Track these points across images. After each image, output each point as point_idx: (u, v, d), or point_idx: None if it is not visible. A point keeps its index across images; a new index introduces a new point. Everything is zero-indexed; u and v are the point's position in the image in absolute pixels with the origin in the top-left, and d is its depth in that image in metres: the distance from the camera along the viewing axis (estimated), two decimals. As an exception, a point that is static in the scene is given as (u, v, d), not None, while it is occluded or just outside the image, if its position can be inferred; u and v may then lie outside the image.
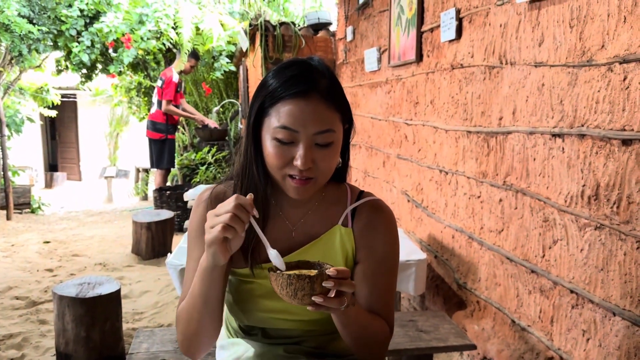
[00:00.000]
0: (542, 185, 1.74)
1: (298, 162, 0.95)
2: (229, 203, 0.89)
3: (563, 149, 1.63)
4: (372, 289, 1.09)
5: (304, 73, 0.98)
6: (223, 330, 1.24)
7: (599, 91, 1.46)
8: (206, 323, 1.02)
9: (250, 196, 0.91)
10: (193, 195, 3.96)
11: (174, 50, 6.35)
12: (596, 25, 1.47)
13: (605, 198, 1.44)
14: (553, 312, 1.70)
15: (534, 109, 1.77)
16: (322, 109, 0.96)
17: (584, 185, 1.53)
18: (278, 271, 0.89)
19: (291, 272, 0.88)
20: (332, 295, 0.87)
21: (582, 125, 1.53)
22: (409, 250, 2.21)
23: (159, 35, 6.55)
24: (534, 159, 1.78)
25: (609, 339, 1.45)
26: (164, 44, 6.56)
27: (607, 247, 1.44)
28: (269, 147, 0.98)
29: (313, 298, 0.85)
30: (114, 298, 2.43)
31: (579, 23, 1.55)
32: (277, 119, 0.96)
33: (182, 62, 6.00)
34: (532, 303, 1.81)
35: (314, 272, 0.90)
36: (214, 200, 1.10)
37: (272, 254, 0.92)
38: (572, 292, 1.60)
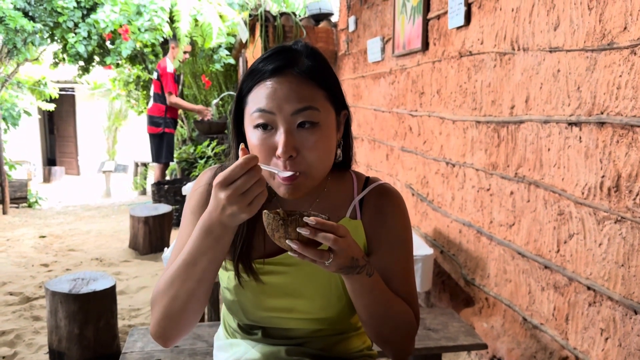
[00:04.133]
0: (557, 177, 1.66)
1: (279, 150, 0.85)
2: (237, 173, 0.77)
3: (580, 138, 1.54)
4: (391, 278, 0.98)
5: (280, 52, 0.91)
6: (221, 330, 1.16)
7: (620, 76, 1.38)
8: (195, 300, 0.89)
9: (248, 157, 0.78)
10: (191, 189, 3.88)
11: (169, 39, 6.22)
12: (618, 5, 1.38)
13: (627, 189, 1.36)
14: (568, 309, 1.61)
15: (549, 97, 1.68)
16: (298, 85, 0.87)
17: (603, 176, 1.45)
18: (270, 210, 0.82)
19: (278, 211, 0.84)
20: (312, 246, 0.79)
21: (602, 113, 1.44)
22: (415, 245, 2.11)
23: (154, 29, 6.43)
24: (549, 149, 1.69)
25: (630, 339, 1.37)
26: (156, 39, 6.43)
27: (629, 242, 1.36)
28: (251, 139, 0.90)
29: (287, 241, 0.79)
30: (109, 294, 2.34)
31: (598, 4, 1.46)
32: (253, 104, 0.89)
33: (179, 55, 5.87)
34: (545, 300, 1.73)
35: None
36: None
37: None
38: (589, 288, 1.52)
